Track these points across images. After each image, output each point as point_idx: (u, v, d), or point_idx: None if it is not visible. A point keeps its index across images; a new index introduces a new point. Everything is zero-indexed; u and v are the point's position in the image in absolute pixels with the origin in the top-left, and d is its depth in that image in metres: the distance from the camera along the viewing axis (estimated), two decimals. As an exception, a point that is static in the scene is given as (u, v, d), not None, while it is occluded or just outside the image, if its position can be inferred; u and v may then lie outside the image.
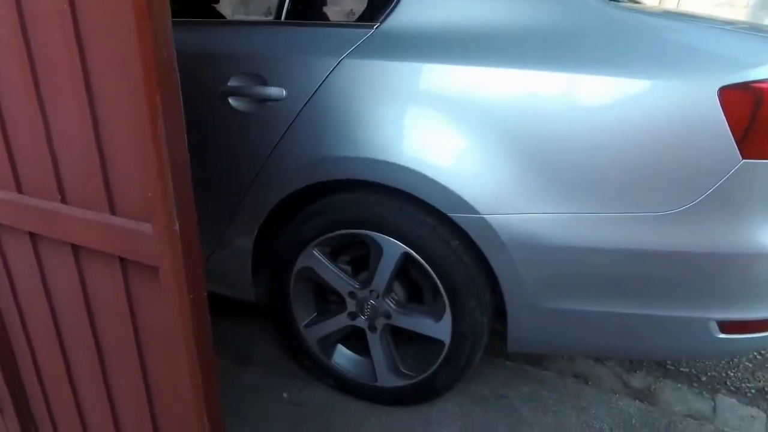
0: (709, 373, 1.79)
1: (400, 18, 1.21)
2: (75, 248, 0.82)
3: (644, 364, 1.81)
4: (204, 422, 0.80)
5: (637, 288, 1.15)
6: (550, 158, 1.11)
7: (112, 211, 0.74)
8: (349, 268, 1.43)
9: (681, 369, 1.80)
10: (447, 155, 1.17)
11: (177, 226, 0.68)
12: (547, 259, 1.16)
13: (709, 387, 1.72)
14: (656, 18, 1.12)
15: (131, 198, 0.72)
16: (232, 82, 1.33)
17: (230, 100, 1.34)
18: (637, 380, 1.73)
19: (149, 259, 0.72)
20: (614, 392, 1.64)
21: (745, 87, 0.99)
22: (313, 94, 1.25)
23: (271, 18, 1.46)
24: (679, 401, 1.64)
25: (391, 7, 1.23)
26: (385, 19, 1.22)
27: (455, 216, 1.18)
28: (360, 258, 1.44)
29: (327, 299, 1.55)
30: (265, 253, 1.52)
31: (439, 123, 1.16)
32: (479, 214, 1.15)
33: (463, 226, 1.18)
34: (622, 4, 1.23)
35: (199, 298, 0.74)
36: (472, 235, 1.19)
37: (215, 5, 2.11)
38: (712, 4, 4.84)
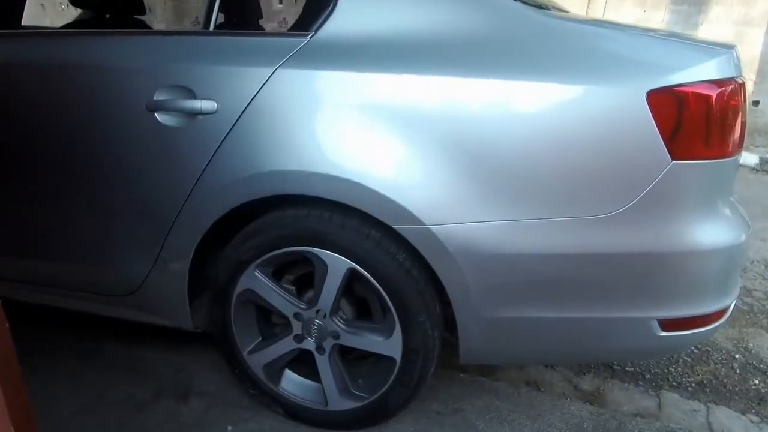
0: (652, 371, 1.84)
1: (335, 27, 1.18)
2: None
3: (592, 366, 1.84)
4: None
5: (581, 291, 1.16)
6: (490, 166, 1.10)
7: None
8: (293, 288, 1.36)
9: (627, 368, 1.85)
10: (388, 166, 1.14)
11: None
12: (493, 267, 1.14)
13: (653, 384, 1.77)
14: (585, 25, 1.15)
15: None
16: (159, 96, 1.24)
17: (157, 115, 1.25)
18: (587, 383, 1.76)
19: None
20: (566, 397, 1.66)
21: (669, 91, 1.03)
22: (247, 106, 1.19)
23: (199, 28, 1.39)
24: (626, 401, 1.68)
25: (326, 15, 1.19)
26: (320, 27, 1.19)
27: (400, 228, 1.15)
28: (305, 277, 1.38)
29: (271, 322, 1.47)
30: (203, 277, 1.43)
31: (379, 133, 1.13)
32: (424, 225, 1.13)
33: (409, 238, 1.15)
34: (551, 12, 1.26)
35: None
36: (418, 247, 1.16)
37: (141, 17, 2.01)
38: (631, 20, 5.19)
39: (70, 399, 1.54)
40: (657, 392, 1.73)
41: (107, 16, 2.01)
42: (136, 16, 2.05)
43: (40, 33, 1.47)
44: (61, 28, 1.98)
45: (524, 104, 1.08)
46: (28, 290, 1.59)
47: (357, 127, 1.14)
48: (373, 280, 1.22)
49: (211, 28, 1.31)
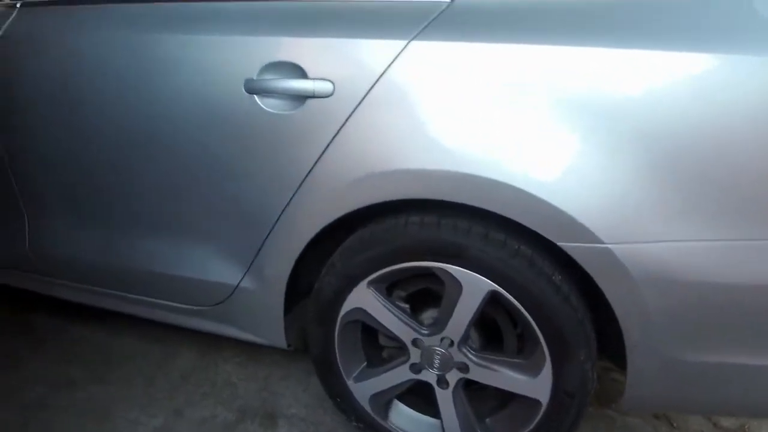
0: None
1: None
2: None
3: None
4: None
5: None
6: (700, 167, 0.83)
7: None
8: (408, 307, 1.14)
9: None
10: (556, 167, 0.88)
11: None
12: (692, 299, 0.88)
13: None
14: None
15: None
16: (261, 75, 1.03)
17: (257, 98, 1.04)
18: (728, 420, 1.48)
19: None
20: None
21: None
22: (372, 87, 0.96)
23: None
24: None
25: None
26: (468, -13, 0.94)
27: (568, 245, 0.90)
28: (419, 294, 1.15)
29: (377, 345, 1.26)
30: (296, 290, 1.22)
31: (546, 124, 0.88)
32: (603, 243, 0.87)
33: (579, 258, 0.90)
34: None
35: None
36: (591, 271, 0.91)
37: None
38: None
39: (145, 416, 1.38)
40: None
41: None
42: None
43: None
44: None
45: (756, 89, 0.80)
46: (94, 294, 1.44)
47: (516, 117, 0.89)
48: (520, 307, 0.98)
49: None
